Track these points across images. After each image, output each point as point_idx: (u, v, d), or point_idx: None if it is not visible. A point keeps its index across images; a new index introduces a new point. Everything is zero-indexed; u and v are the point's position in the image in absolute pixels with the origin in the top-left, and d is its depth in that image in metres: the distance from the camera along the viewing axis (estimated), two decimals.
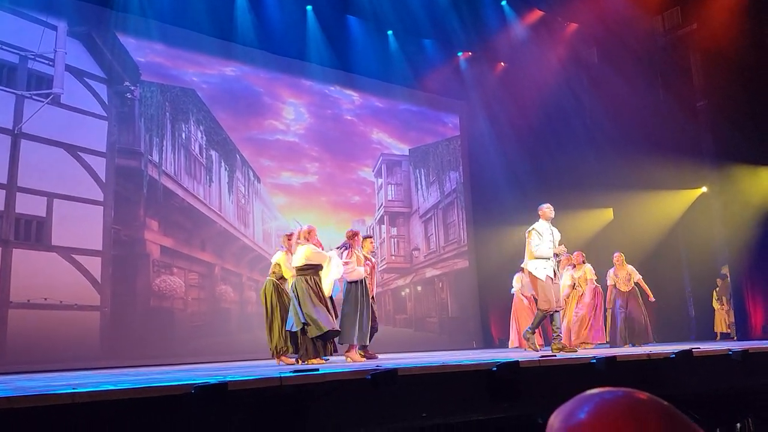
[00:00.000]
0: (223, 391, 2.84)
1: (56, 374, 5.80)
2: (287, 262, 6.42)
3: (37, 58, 8.17)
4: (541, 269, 6.67)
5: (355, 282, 6.70)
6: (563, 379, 4.32)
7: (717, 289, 11.12)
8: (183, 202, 9.31)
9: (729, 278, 10.58)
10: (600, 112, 11.84)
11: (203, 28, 9.61)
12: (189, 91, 9.69)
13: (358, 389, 3.37)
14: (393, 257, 11.80)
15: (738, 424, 5.38)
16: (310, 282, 6.10)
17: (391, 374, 3.40)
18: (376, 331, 6.92)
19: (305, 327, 6.02)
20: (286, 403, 3.06)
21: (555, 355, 5.17)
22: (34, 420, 2.47)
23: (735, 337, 10.31)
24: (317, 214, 10.35)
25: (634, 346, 8.51)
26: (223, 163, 9.90)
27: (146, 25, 9.16)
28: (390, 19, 11.14)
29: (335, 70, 11.15)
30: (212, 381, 2.90)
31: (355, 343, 6.60)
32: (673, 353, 4.99)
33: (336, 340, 6.38)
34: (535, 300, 8.90)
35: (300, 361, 6.00)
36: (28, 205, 7.84)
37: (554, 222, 7.00)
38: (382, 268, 11.47)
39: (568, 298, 8.47)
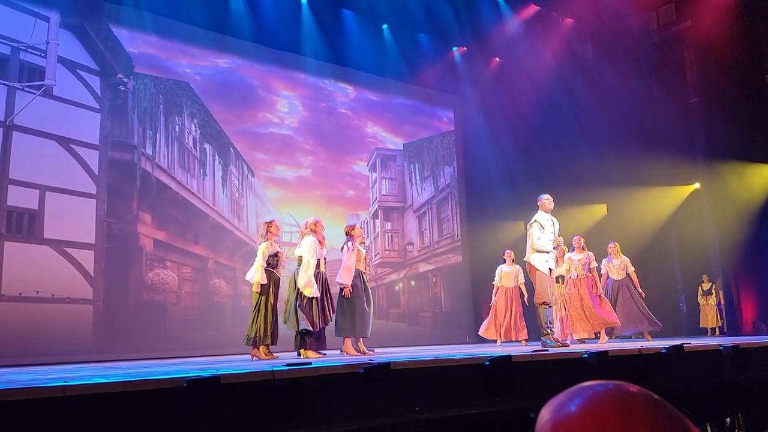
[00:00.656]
0: (215, 384, 2.84)
1: (48, 367, 5.78)
2: (264, 251, 6.37)
3: (29, 50, 8.10)
4: (543, 262, 6.69)
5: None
6: (555, 373, 4.34)
7: (702, 284, 11.20)
8: (176, 196, 9.27)
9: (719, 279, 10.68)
10: (594, 108, 11.87)
11: (197, 20, 9.56)
12: (183, 83, 9.64)
13: (351, 383, 3.38)
14: (387, 252, 11.80)
15: (728, 419, 5.42)
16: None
17: (384, 368, 3.41)
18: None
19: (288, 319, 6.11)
20: (279, 396, 3.06)
21: (547, 350, 5.19)
22: (24, 413, 2.46)
23: (722, 325, 10.44)
24: (311, 208, 10.32)
25: (629, 336, 8.56)
26: (217, 157, 9.86)
27: (140, 16, 9.10)
28: (385, 13, 11.11)
29: (330, 64, 11.12)
30: (205, 374, 2.90)
31: (352, 336, 6.62)
32: (665, 348, 5.02)
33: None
34: (521, 293, 8.96)
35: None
36: (20, 198, 7.79)
37: None
38: (376, 262, 11.47)
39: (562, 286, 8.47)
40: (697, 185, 11.32)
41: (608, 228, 11.32)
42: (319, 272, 6.30)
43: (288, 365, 3.37)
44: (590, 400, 0.71)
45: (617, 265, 8.71)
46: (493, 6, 11.58)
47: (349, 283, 6.62)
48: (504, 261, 9.20)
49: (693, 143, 11.16)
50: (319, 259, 6.31)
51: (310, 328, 6.08)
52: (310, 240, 6.29)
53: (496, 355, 3.99)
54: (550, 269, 6.78)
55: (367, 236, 11.24)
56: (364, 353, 6.56)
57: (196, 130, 9.69)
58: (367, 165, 11.79)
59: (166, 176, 9.18)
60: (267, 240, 6.42)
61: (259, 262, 6.26)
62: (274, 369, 3.17)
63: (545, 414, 0.74)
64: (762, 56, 10.22)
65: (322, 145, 11.15)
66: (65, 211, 8.15)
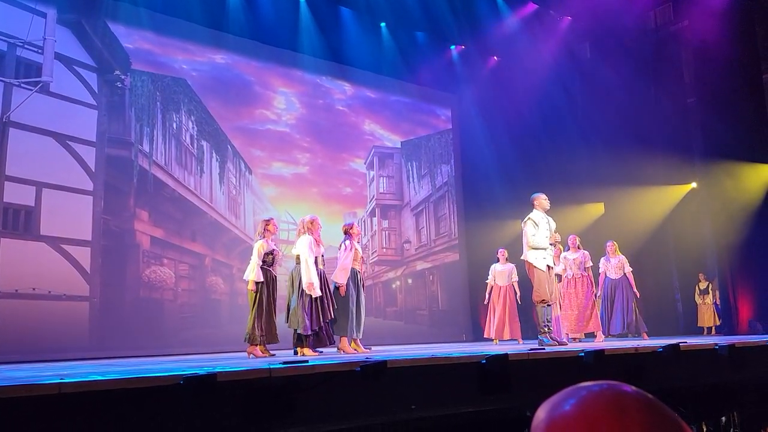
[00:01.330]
0: (212, 382, 2.83)
1: (44, 364, 5.78)
2: (260, 249, 6.36)
3: (25, 46, 8.07)
4: (541, 259, 6.67)
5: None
6: (552, 372, 4.35)
7: (698, 284, 11.24)
8: (173, 193, 9.26)
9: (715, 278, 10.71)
10: (591, 107, 11.88)
11: (194, 16, 9.53)
12: (180, 80, 9.62)
13: (347, 381, 3.38)
14: (384, 250, 11.81)
15: (723, 418, 5.44)
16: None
17: (380, 366, 3.41)
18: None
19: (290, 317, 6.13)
20: (276, 394, 3.06)
21: (544, 349, 5.19)
22: (20, 410, 2.45)
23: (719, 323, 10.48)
24: (308, 206, 10.32)
25: (626, 335, 8.58)
26: (214, 154, 9.85)
27: (137, 13, 9.08)
28: (383, 10, 11.10)
29: (327, 61, 11.10)
30: (201, 372, 2.89)
31: (348, 335, 6.62)
32: (661, 347, 5.03)
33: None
34: (515, 292, 8.98)
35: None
36: (16, 195, 7.77)
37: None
38: (373, 260, 11.48)
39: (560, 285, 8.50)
40: (694, 185, 11.34)
41: (605, 227, 11.34)
42: (318, 270, 6.30)
43: (284, 363, 3.37)
44: (584, 399, 0.72)
45: (615, 264, 8.72)
46: (491, 4, 11.57)
47: (344, 282, 6.63)
48: (498, 260, 9.22)
49: (690, 143, 11.18)
50: (317, 257, 6.31)
51: (305, 332, 6.08)
52: (306, 239, 6.29)
53: (493, 353, 3.99)
54: (549, 266, 6.76)
55: (365, 234, 11.24)
56: (361, 351, 6.57)
57: (193, 127, 9.68)
58: (365, 163, 11.79)
59: (164, 173, 9.17)
60: (264, 238, 6.41)
61: (255, 260, 6.26)
62: (271, 367, 3.17)
63: (540, 414, 0.74)
64: (759, 56, 10.24)
65: (320, 143, 11.14)
66: (62, 207, 8.13)
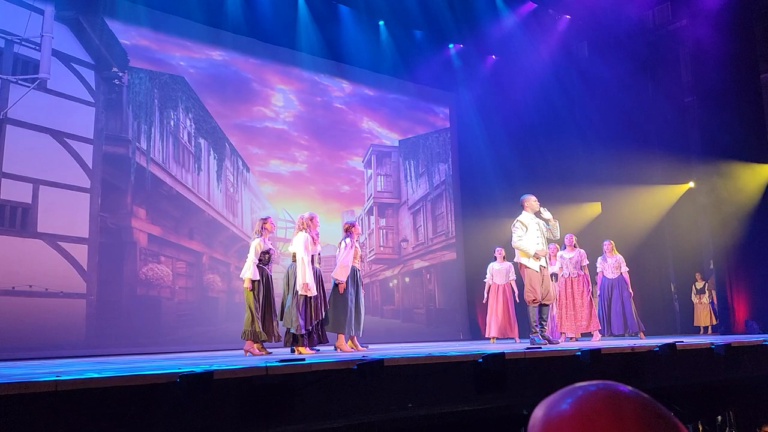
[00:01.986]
0: (208, 379, 2.83)
1: (41, 362, 5.77)
2: (257, 247, 6.35)
3: (23, 43, 8.05)
4: (534, 260, 6.65)
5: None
6: (548, 371, 4.35)
7: (695, 283, 11.26)
8: (171, 191, 9.25)
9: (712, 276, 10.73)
10: (589, 106, 11.89)
11: (192, 13, 9.51)
12: (178, 78, 9.60)
13: (344, 379, 3.38)
14: (381, 248, 11.81)
15: (719, 417, 5.45)
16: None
17: (377, 364, 3.41)
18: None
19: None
20: (272, 392, 3.06)
21: (540, 347, 5.20)
22: (17, 408, 2.45)
23: (715, 322, 10.50)
24: (306, 204, 10.31)
25: (622, 334, 8.59)
26: (212, 152, 9.83)
27: (134, 10, 9.06)
28: (381, 9, 11.09)
29: (326, 60, 11.09)
30: (198, 370, 2.89)
31: (346, 333, 6.63)
32: (657, 346, 5.03)
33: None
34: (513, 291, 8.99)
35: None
36: (13, 192, 7.75)
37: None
38: (371, 259, 11.48)
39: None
40: (691, 184, 11.36)
41: (602, 226, 11.36)
42: (313, 268, 6.30)
43: (281, 361, 3.37)
44: (580, 399, 0.72)
45: (612, 264, 8.72)
46: (489, 3, 11.57)
47: (344, 279, 6.63)
48: (495, 258, 9.22)
49: (688, 142, 11.20)
50: (313, 255, 6.31)
51: (299, 332, 6.09)
52: (303, 237, 6.26)
53: (490, 352, 4.00)
54: (542, 266, 6.73)
55: (362, 232, 11.24)
56: (358, 349, 6.57)
57: (191, 125, 9.66)
58: (363, 161, 11.78)
59: (161, 171, 9.16)
60: (261, 236, 6.41)
61: (251, 258, 6.25)
62: (268, 365, 3.17)
63: (538, 413, 0.75)
64: (757, 56, 10.25)
65: (318, 140, 11.14)
66: (59, 205, 8.12)
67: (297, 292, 6.12)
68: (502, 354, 3.95)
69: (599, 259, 8.88)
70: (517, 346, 6.54)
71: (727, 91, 9.97)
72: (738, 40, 10.05)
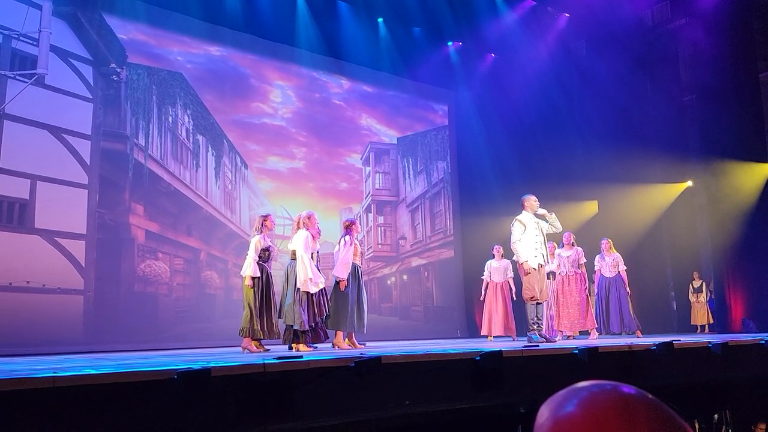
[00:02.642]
0: (206, 376, 2.83)
1: (38, 358, 5.76)
2: (257, 244, 6.34)
3: (21, 38, 8.02)
4: (532, 258, 6.69)
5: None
6: (546, 369, 4.36)
7: (692, 282, 11.28)
8: (169, 187, 9.23)
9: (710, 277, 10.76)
10: (588, 105, 11.89)
11: (191, 9, 9.49)
12: (176, 74, 9.58)
13: (342, 377, 3.38)
14: (379, 246, 11.81)
15: (716, 416, 5.47)
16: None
17: (375, 362, 3.41)
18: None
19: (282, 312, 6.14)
20: (270, 389, 3.06)
21: (538, 346, 5.20)
22: (14, 403, 2.45)
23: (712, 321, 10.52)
24: (304, 201, 10.31)
25: (619, 333, 8.60)
26: (210, 148, 9.82)
27: (133, 5, 9.04)
28: (380, 6, 11.08)
29: (324, 56, 11.07)
30: (195, 367, 2.89)
31: (345, 330, 6.63)
32: (655, 345, 5.04)
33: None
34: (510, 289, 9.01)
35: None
36: (10, 187, 7.73)
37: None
38: (369, 256, 11.47)
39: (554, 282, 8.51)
40: (689, 183, 11.37)
41: (600, 225, 11.37)
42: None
43: (279, 358, 3.37)
44: (589, 400, 0.72)
45: (609, 263, 8.73)
46: (488, 0, 11.56)
47: (345, 276, 6.63)
48: (493, 256, 9.23)
49: (686, 141, 11.21)
50: (312, 253, 6.31)
51: (303, 328, 6.08)
52: (303, 234, 6.27)
53: (487, 350, 4.00)
54: (540, 264, 6.76)
55: (360, 230, 11.24)
56: (356, 347, 6.58)
57: (189, 121, 9.65)
58: (361, 158, 11.77)
59: (159, 167, 9.14)
60: (261, 233, 6.40)
61: (252, 255, 6.24)
62: (265, 362, 3.16)
63: (545, 412, 0.74)
64: (755, 54, 10.26)
65: (316, 137, 11.12)
66: (56, 201, 8.10)
67: (298, 289, 6.11)
68: (500, 352, 3.95)
69: (597, 258, 8.89)
70: (514, 344, 6.55)
71: (725, 90, 9.98)
72: (736, 39, 10.05)
